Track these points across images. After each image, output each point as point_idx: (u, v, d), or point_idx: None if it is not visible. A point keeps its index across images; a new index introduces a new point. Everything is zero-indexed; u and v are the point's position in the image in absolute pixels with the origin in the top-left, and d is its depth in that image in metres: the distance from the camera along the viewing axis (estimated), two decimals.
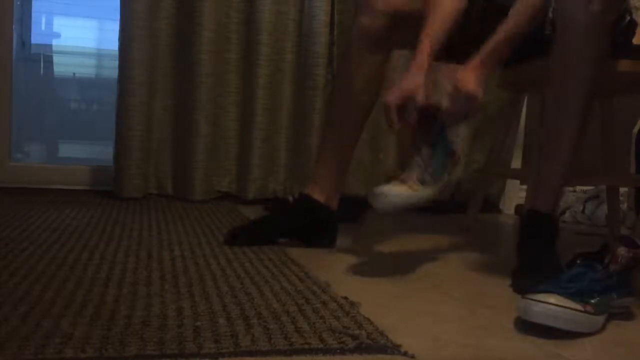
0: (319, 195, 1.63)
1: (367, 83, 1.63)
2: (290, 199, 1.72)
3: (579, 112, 1.32)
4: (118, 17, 2.33)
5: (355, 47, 1.63)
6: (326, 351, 0.86)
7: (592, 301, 1.04)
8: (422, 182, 1.30)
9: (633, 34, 1.65)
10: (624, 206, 2.43)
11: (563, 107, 1.33)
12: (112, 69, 2.46)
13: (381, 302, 1.16)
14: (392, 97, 1.34)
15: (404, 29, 1.59)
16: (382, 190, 1.27)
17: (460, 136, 1.37)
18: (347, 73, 1.65)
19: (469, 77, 1.35)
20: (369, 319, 1.01)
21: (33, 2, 2.94)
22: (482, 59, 1.37)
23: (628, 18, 1.56)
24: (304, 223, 1.63)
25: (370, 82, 1.63)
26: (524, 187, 2.44)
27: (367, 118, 1.68)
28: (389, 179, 1.32)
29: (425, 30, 1.43)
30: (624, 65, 1.63)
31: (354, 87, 1.62)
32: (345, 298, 1.13)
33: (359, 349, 0.88)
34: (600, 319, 1.05)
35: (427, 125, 1.35)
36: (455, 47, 1.60)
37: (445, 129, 1.35)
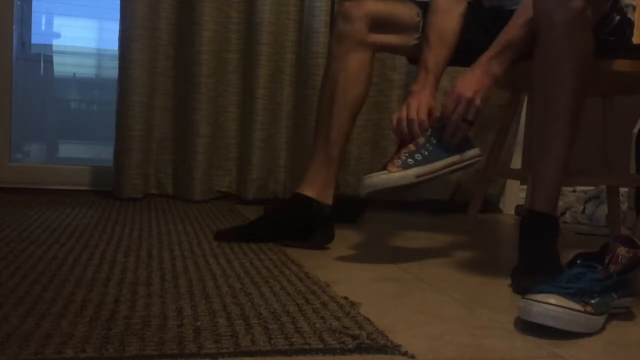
0: (310, 192, 1.64)
1: (351, 81, 1.67)
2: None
3: (568, 109, 1.32)
4: (118, 17, 2.33)
5: (337, 50, 1.69)
6: (326, 351, 0.86)
7: (592, 301, 1.04)
8: (404, 166, 1.39)
9: (631, 33, 1.64)
10: (624, 206, 2.43)
11: (551, 106, 1.33)
12: (112, 69, 2.46)
13: (381, 302, 1.16)
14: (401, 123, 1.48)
15: (382, 32, 1.67)
16: (365, 177, 1.41)
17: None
18: (331, 72, 1.69)
19: (466, 81, 1.44)
20: (369, 319, 1.01)
21: (33, 2, 2.93)
22: (482, 65, 1.45)
23: (618, 17, 1.56)
24: (299, 222, 1.63)
25: (354, 80, 1.67)
26: (524, 187, 2.44)
27: (355, 114, 1.70)
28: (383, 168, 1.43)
29: (427, 63, 1.55)
30: (624, 65, 1.63)
31: (339, 85, 1.67)
32: (345, 298, 1.13)
33: (359, 349, 0.88)
34: (600, 319, 1.05)
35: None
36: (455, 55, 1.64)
37: (444, 125, 1.44)
